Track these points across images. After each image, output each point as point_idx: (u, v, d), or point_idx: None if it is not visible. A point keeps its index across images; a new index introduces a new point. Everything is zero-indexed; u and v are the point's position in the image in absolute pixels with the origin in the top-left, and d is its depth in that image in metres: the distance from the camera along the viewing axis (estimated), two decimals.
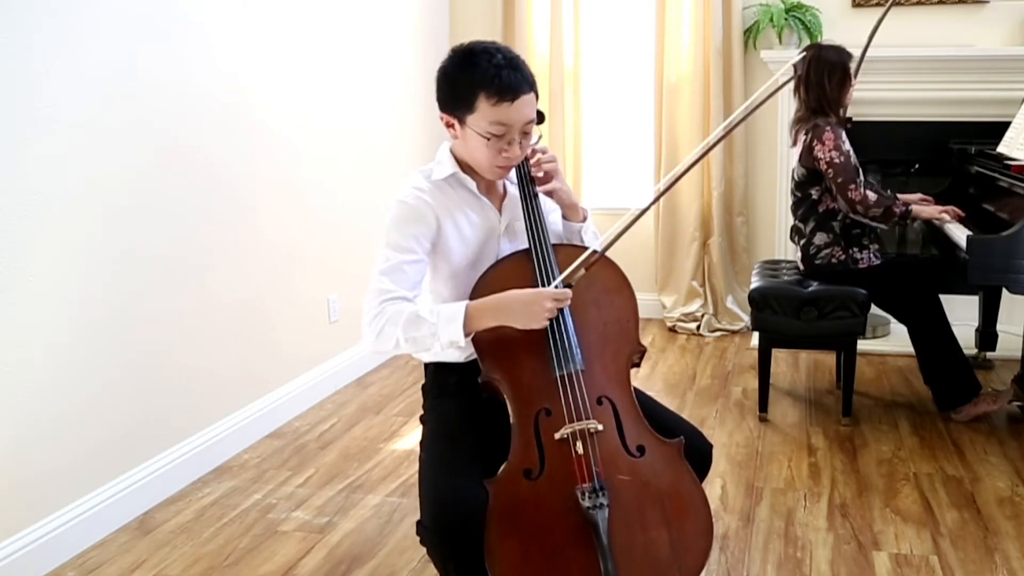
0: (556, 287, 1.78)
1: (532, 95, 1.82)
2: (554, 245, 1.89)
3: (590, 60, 4.79)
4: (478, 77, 1.77)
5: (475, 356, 1.86)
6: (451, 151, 1.93)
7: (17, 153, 2.33)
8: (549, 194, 1.95)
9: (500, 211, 1.95)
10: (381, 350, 1.82)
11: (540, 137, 1.96)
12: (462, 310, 1.77)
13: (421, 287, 1.89)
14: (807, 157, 3.32)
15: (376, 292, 1.82)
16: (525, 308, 1.75)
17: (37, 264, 2.40)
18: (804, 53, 3.36)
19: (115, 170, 2.65)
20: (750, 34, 4.46)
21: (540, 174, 1.94)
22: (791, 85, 3.43)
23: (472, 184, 1.91)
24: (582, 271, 1.81)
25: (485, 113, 1.78)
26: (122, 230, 2.68)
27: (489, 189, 1.95)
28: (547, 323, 1.76)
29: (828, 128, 3.27)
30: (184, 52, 2.92)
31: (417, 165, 4.39)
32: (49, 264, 2.44)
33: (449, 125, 1.87)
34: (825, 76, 3.32)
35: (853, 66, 3.35)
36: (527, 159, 1.93)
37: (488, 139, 1.80)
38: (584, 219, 2.02)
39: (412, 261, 1.85)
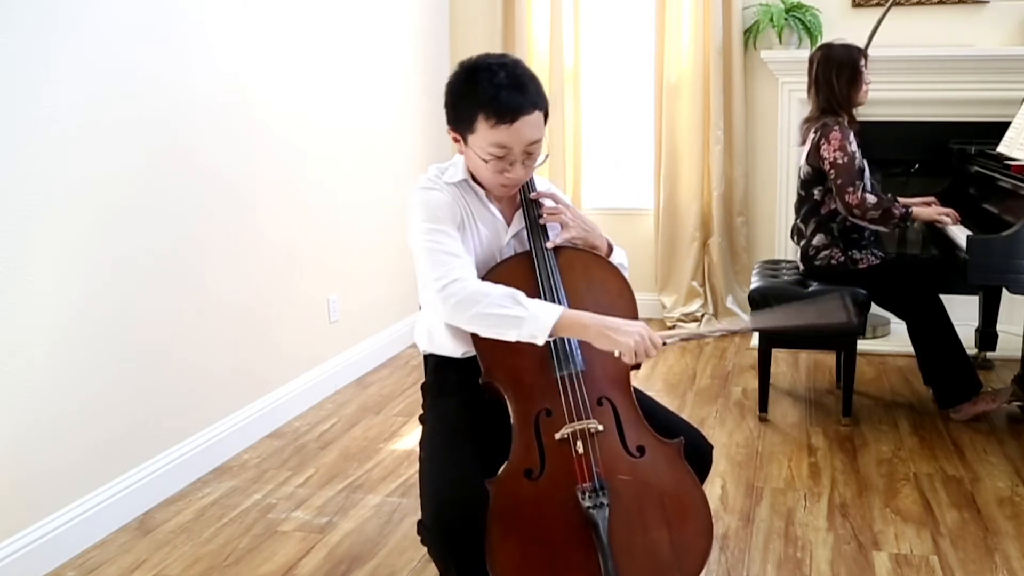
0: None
1: (537, 114, 1.77)
2: (556, 248, 1.89)
3: (590, 60, 4.79)
4: (477, 97, 1.74)
5: (473, 352, 1.85)
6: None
7: (17, 153, 2.33)
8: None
9: (510, 221, 1.94)
10: (454, 319, 1.74)
11: (547, 156, 1.91)
12: (557, 313, 1.69)
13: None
14: (814, 156, 3.31)
15: (445, 267, 1.74)
16: (630, 337, 1.67)
17: (37, 264, 2.40)
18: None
19: (115, 170, 2.65)
20: (750, 34, 4.46)
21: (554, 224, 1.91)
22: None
23: (482, 192, 1.90)
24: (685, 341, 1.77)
25: (485, 135, 1.75)
26: (122, 230, 2.68)
27: (500, 198, 1.93)
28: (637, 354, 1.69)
29: (836, 128, 3.24)
30: (184, 52, 2.92)
31: (417, 165, 4.43)
32: (49, 264, 2.44)
33: (455, 140, 1.85)
34: (833, 75, 3.29)
35: (864, 63, 3.31)
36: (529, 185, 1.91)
37: (487, 161, 1.78)
38: (607, 256, 1.96)
39: (455, 237, 1.80)
